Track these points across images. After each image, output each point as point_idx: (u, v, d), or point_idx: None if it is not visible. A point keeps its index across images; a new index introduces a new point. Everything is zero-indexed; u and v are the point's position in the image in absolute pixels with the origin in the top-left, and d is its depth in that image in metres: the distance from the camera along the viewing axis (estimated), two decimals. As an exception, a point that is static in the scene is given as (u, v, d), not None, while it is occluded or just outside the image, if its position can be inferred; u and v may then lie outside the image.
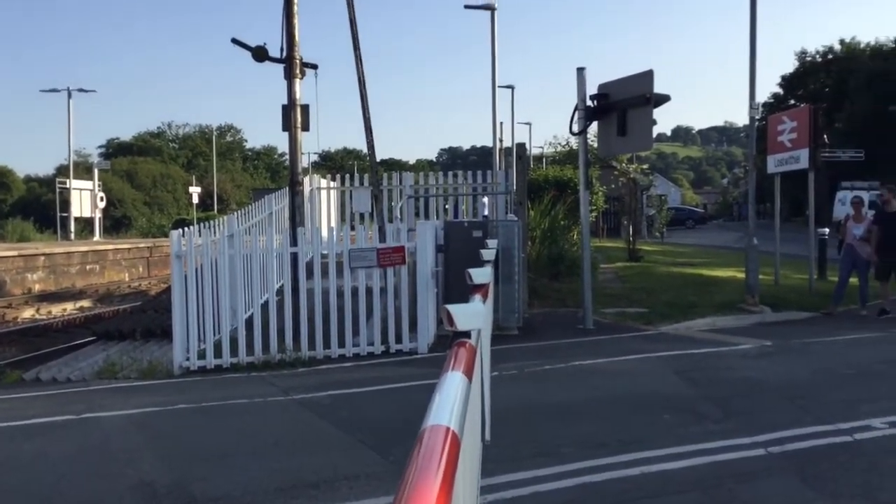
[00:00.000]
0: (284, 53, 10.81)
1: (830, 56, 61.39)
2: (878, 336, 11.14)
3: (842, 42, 61.49)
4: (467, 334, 2.97)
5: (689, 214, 62.37)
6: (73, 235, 39.61)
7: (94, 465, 5.75)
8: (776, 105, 55.45)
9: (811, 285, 15.32)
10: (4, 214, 58.69)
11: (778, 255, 16.27)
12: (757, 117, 15.03)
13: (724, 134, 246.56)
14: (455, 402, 1.92)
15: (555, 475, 5.20)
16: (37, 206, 61.95)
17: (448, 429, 1.66)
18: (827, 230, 18.59)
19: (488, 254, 7.52)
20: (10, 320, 17.16)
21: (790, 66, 66.27)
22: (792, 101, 56.61)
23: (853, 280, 13.37)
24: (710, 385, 7.86)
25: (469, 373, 2.48)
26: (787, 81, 63.46)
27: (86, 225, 43.58)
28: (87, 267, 25.52)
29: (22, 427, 6.89)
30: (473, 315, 3.12)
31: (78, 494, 5.14)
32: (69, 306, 19.52)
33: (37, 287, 22.45)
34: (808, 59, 62.85)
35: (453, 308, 2.98)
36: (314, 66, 11.28)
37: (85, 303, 20.38)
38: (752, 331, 11.46)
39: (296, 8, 10.83)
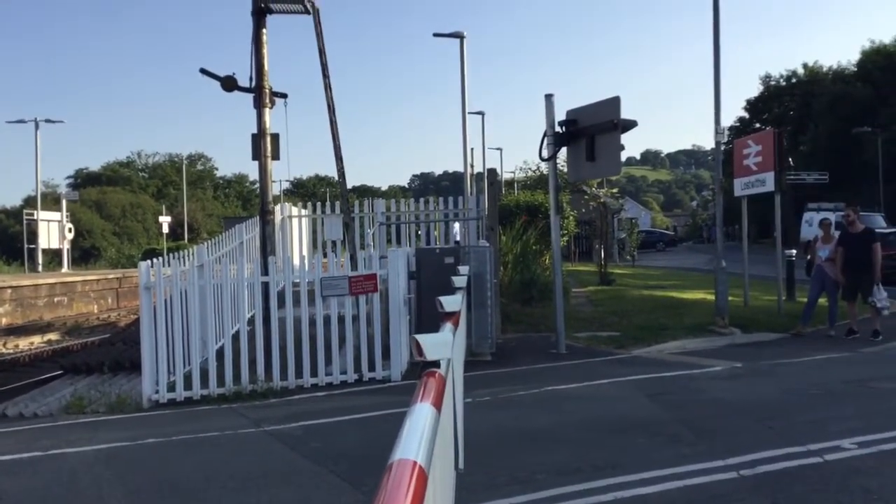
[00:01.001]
0: (253, 83, 10.81)
1: (794, 80, 62.69)
2: (846, 356, 11.28)
3: (805, 66, 62.85)
4: (437, 364, 2.97)
5: (659, 237, 63.00)
6: (40, 267, 39.04)
7: (61, 503, 5.64)
8: (742, 129, 56.48)
9: (780, 306, 15.49)
10: (-30, 247, 57.76)
11: (747, 276, 16.45)
12: (723, 141, 15.27)
13: (692, 157, 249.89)
14: (423, 435, 1.92)
15: (529, 502, 5.18)
16: (3, 237, 61.08)
17: (415, 463, 1.66)
18: (794, 251, 18.85)
19: (460, 280, 7.54)
20: (-24, 355, 16.84)
21: (755, 90, 67.50)
22: (757, 125, 57.68)
23: (822, 301, 13.55)
24: (682, 408, 7.91)
25: (438, 403, 2.47)
26: (752, 105, 64.66)
27: (54, 256, 43.02)
28: (55, 299, 25.16)
29: (-14, 465, 6.74)
30: (443, 345, 3.12)
31: (44, 534, 5.03)
32: (36, 339, 19.20)
33: (3, 320, 22.07)
34: (773, 83, 64.12)
35: (422, 338, 2.98)
36: (284, 95, 11.28)
37: (53, 336, 20.05)
38: (723, 352, 11.55)
39: (265, 38, 10.85)
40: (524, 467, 5.96)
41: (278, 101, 11.19)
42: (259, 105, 10.84)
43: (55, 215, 41.52)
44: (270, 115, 10.94)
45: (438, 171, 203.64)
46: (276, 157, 11.07)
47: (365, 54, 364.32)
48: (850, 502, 5.07)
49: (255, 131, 10.99)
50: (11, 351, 17.50)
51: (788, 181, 17.35)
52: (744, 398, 8.29)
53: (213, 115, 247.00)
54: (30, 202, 56.25)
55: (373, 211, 17.09)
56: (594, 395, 8.73)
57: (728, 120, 64.26)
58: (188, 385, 9.36)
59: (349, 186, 12.66)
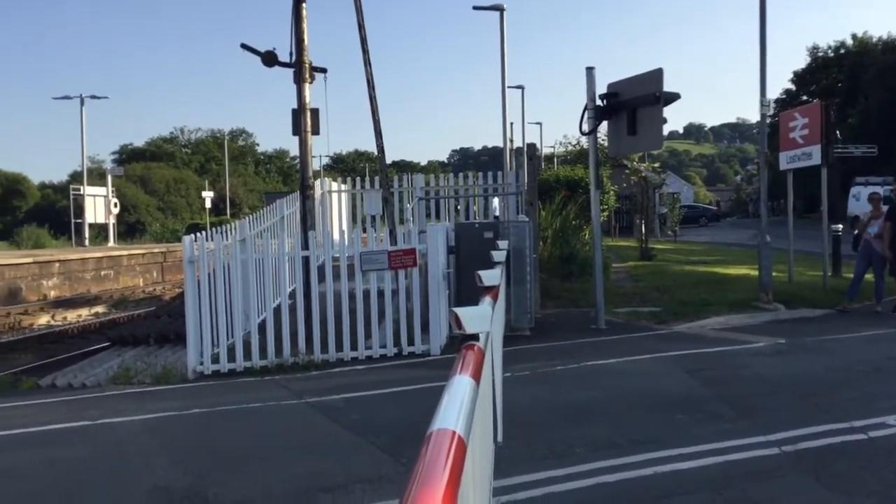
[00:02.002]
0: (294, 58, 10.84)
1: (843, 51, 60.99)
2: (892, 332, 11.07)
3: (854, 37, 61.09)
4: (476, 337, 2.98)
5: (702, 212, 62.07)
6: (87, 241, 39.88)
7: (109, 471, 5.80)
8: (789, 101, 55.20)
9: (825, 282, 15.22)
10: (19, 221, 59.13)
11: (792, 251, 16.17)
12: (769, 114, 14.97)
13: (736, 130, 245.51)
14: (462, 406, 1.93)
15: (568, 476, 5.20)
16: (51, 212, 62.37)
17: (454, 433, 1.67)
18: (840, 226, 18.47)
19: (499, 255, 7.53)
20: (26, 326, 17.32)
21: (802, 61, 65.80)
22: (804, 97, 56.26)
23: (869, 276, 13.29)
24: (724, 384, 7.84)
25: (477, 376, 2.48)
26: (800, 77, 63.18)
27: (100, 231, 43.87)
28: (102, 272, 25.69)
29: (38, 433, 6.95)
30: (482, 318, 3.13)
31: (94, 500, 5.18)
32: (84, 312, 19.66)
33: (52, 293, 22.62)
34: (820, 54, 62.51)
35: (461, 311, 2.99)
36: (323, 70, 11.30)
37: (100, 308, 20.52)
38: (766, 328, 11.41)
39: (304, 13, 10.87)
40: (562, 441, 5.98)
41: (318, 76, 11.22)
42: (299, 80, 10.88)
43: (101, 190, 42.34)
44: (310, 91, 10.98)
45: (478, 146, 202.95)
46: (316, 132, 11.12)
47: (404, 28, 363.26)
48: (894, 480, 5.00)
49: (295, 107, 11.04)
50: (60, 323, 17.95)
51: (835, 154, 16.92)
52: (787, 374, 8.20)
53: (254, 91, 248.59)
54: (76, 177, 57.31)
55: (412, 186, 17.12)
56: (634, 371, 8.69)
57: (774, 92, 62.95)
58: (231, 357, 9.51)
59: (388, 161, 12.70)
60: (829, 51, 62.18)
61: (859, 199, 29.46)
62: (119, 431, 6.89)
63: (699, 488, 4.93)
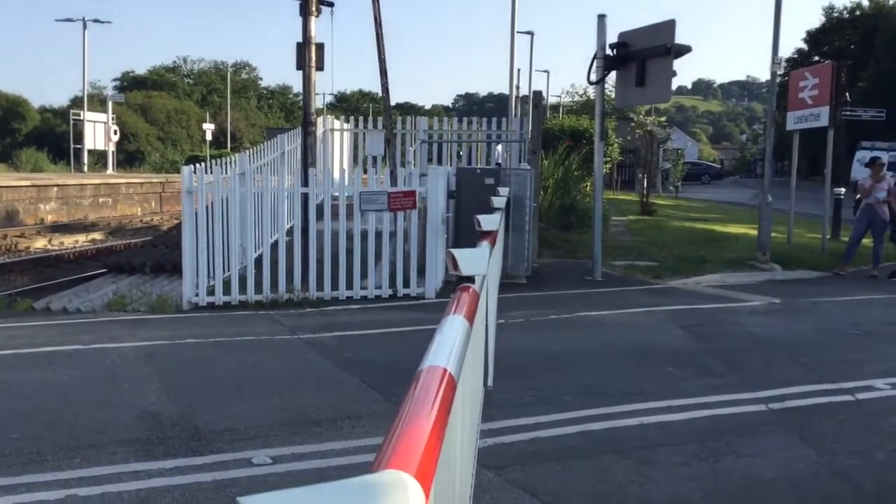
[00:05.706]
0: (300, -10, 10.62)
1: (858, 13, 60.02)
2: (887, 298, 11.10)
3: (870, -2, 60.05)
4: (471, 279, 2.96)
5: (705, 170, 61.77)
6: (86, 168, 39.68)
7: (100, 395, 5.83)
8: (800, 61, 54.51)
9: (824, 245, 15.23)
10: (18, 144, 58.75)
11: (792, 213, 16.13)
12: (779, 72, 14.77)
13: (745, 89, 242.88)
14: (454, 345, 1.92)
15: (555, 422, 5.25)
16: (51, 136, 61.84)
17: (445, 370, 1.66)
18: (843, 190, 18.39)
19: (499, 201, 7.51)
20: (23, 249, 17.32)
21: (817, 21, 64.66)
22: (816, 58, 55.49)
23: (867, 241, 13.27)
24: (716, 340, 7.88)
25: (470, 317, 2.47)
26: (813, 37, 62.28)
27: (99, 158, 43.63)
28: (100, 200, 25.62)
29: (31, 355, 6.98)
30: (478, 260, 3.11)
31: (84, 422, 5.22)
32: (81, 238, 19.65)
33: (49, 218, 22.58)
34: (836, 14, 61.55)
35: (458, 252, 2.97)
36: (330, 4, 11.07)
37: (97, 235, 20.51)
38: (762, 288, 11.43)
39: (313, -57, 10.60)
40: (552, 388, 6.02)
41: (325, 10, 11.00)
42: (305, 13, 10.66)
43: (101, 117, 41.99)
44: (316, 25, 10.78)
45: (483, 93, 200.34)
46: (320, 67, 10.94)
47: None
48: (879, 442, 5.05)
49: (300, 40, 10.85)
50: (57, 248, 17.95)
51: (844, 117, 16.79)
52: (779, 334, 8.24)
53: (258, 24, 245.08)
54: (76, 103, 56.62)
55: (415, 128, 16.96)
56: (627, 323, 8.73)
57: (786, 51, 62.00)
58: (227, 290, 9.52)
59: (392, 103, 12.54)
60: (845, 12, 61.20)
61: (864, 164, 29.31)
62: (112, 357, 6.92)
63: (685, 440, 4.98)
